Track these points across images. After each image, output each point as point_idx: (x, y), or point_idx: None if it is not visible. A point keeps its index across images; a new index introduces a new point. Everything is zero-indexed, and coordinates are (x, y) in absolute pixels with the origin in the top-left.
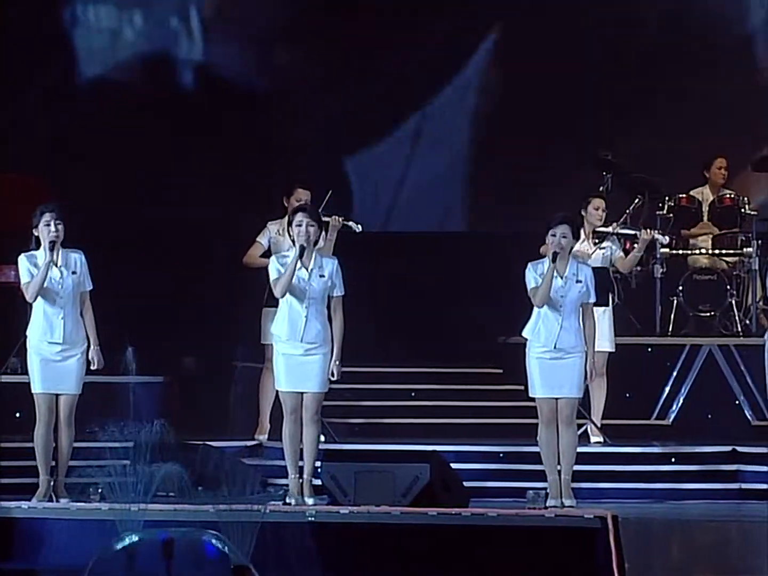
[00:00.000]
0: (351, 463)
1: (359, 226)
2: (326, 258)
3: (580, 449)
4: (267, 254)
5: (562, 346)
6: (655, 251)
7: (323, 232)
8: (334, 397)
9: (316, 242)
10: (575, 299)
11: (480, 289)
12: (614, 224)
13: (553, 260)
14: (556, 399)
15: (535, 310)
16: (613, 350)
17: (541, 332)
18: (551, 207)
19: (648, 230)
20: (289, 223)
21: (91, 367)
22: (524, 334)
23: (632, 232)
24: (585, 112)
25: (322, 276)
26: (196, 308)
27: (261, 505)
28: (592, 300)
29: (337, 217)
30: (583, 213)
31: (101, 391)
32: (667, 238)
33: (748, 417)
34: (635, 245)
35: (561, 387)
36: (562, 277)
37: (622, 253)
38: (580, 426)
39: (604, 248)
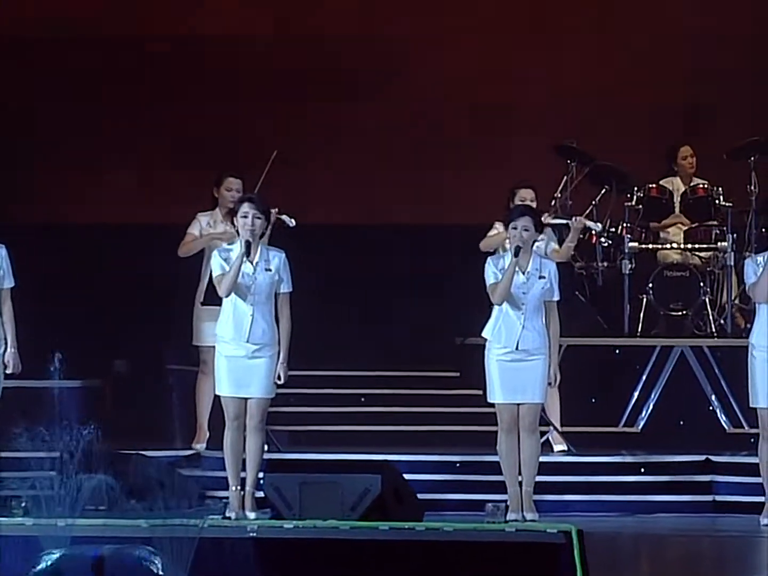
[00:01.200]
0: (296, 474)
1: (293, 220)
2: (273, 251)
3: (542, 459)
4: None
5: (524, 347)
6: (623, 245)
7: (268, 224)
8: (278, 403)
9: (262, 235)
10: (538, 296)
11: (435, 285)
12: (545, 215)
13: (515, 254)
14: (518, 405)
15: (495, 308)
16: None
17: (501, 332)
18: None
19: (577, 218)
20: (233, 214)
21: (7, 371)
22: (483, 334)
23: (563, 221)
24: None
25: (268, 270)
26: (126, 308)
27: (199, 520)
28: (556, 298)
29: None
30: (511, 205)
31: (26, 396)
32: (599, 224)
33: (723, 424)
34: (596, 236)
35: (523, 392)
36: (524, 273)
37: (556, 245)
38: (542, 434)
39: (538, 241)
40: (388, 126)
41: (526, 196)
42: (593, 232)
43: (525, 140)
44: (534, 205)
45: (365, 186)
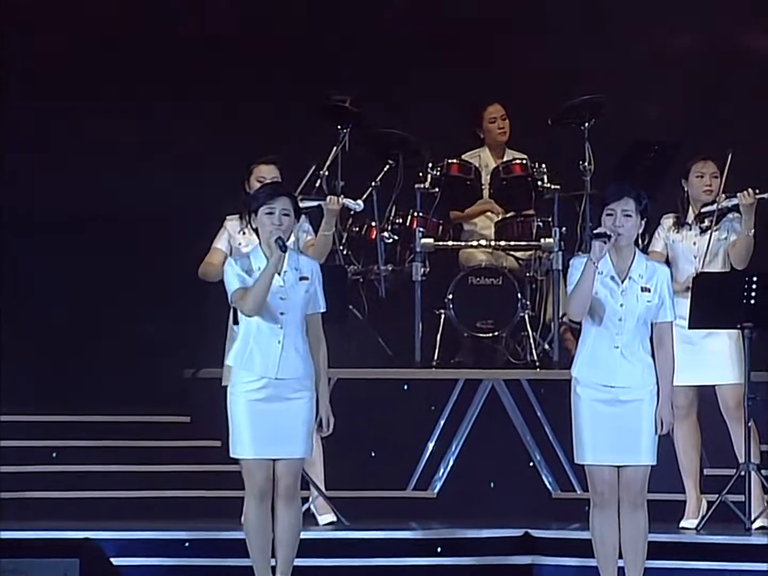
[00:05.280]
0: None
1: (359, 202)
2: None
3: (304, 534)
4: None
5: (283, 376)
6: (413, 242)
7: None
8: None
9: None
10: (301, 305)
11: (152, 296)
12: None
13: (284, 249)
14: (273, 461)
15: (242, 326)
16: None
17: (255, 357)
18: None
19: (334, 198)
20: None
21: None
22: (228, 362)
23: (314, 203)
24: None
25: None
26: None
27: None
28: (321, 309)
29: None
30: (246, 187)
31: None
32: (361, 203)
33: (548, 486)
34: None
35: (278, 443)
36: (280, 274)
37: (311, 236)
38: (304, 500)
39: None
40: None
41: (266, 174)
42: (354, 212)
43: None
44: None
45: None
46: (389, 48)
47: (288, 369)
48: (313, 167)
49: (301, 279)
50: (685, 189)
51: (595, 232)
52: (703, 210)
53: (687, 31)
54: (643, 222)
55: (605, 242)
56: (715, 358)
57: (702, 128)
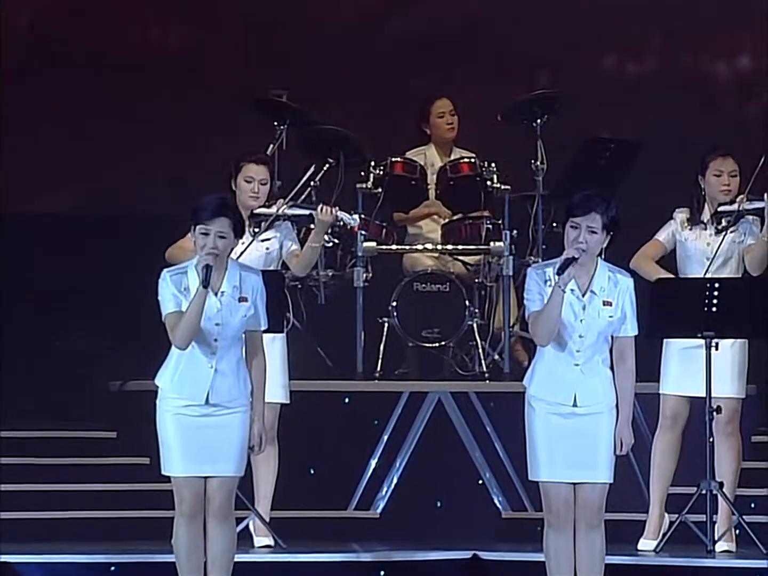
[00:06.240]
0: None
1: (355, 217)
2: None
3: (238, 557)
4: None
5: (216, 401)
6: (353, 246)
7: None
8: None
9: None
10: (238, 326)
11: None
12: (280, 201)
13: (205, 285)
14: (204, 479)
15: (174, 349)
16: (287, 401)
17: (184, 382)
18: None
19: (327, 208)
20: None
21: None
22: (158, 382)
23: (305, 211)
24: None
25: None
26: None
27: None
28: (264, 326)
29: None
30: (233, 185)
31: None
32: (356, 218)
33: (498, 505)
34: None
35: (212, 460)
36: (216, 295)
37: (296, 244)
38: (238, 520)
39: (268, 240)
40: None
41: (254, 175)
42: (349, 227)
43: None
44: (265, 189)
45: None
46: (328, 40)
47: (221, 393)
48: (309, 172)
49: (240, 300)
50: (702, 186)
51: (562, 260)
52: (720, 209)
53: (644, 22)
54: (608, 237)
55: (573, 265)
56: (713, 369)
57: (664, 125)
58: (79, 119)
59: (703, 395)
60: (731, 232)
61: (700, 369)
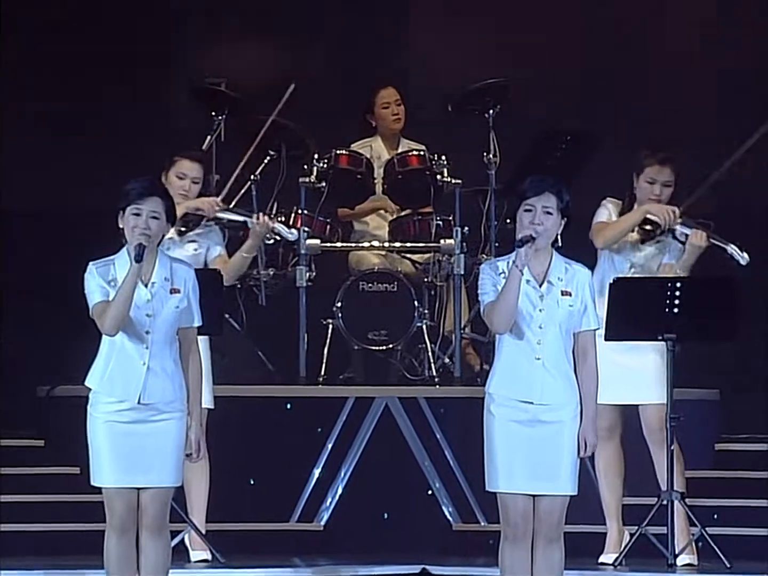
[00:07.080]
0: None
1: (293, 231)
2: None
3: (173, 572)
4: None
5: (151, 399)
6: (297, 244)
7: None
8: None
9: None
10: (170, 322)
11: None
12: (213, 199)
13: (137, 258)
14: (137, 490)
15: (113, 341)
16: (213, 406)
17: (116, 380)
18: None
19: (264, 218)
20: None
21: None
22: (88, 383)
23: (241, 218)
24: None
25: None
26: None
27: None
28: (197, 323)
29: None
30: (164, 180)
31: None
32: (294, 232)
33: (448, 516)
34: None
35: (145, 470)
36: (146, 286)
37: (223, 250)
38: (174, 533)
39: (195, 242)
40: None
41: (187, 172)
42: (285, 237)
43: None
44: (196, 188)
45: None
46: (270, 24)
47: (154, 393)
48: (252, 177)
49: (172, 291)
50: (635, 185)
51: (518, 238)
52: (646, 226)
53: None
54: (563, 221)
55: (530, 245)
56: (639, 375)
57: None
58: None
59: (629, 403)
60: (654, 244)
61: (626, 376)
